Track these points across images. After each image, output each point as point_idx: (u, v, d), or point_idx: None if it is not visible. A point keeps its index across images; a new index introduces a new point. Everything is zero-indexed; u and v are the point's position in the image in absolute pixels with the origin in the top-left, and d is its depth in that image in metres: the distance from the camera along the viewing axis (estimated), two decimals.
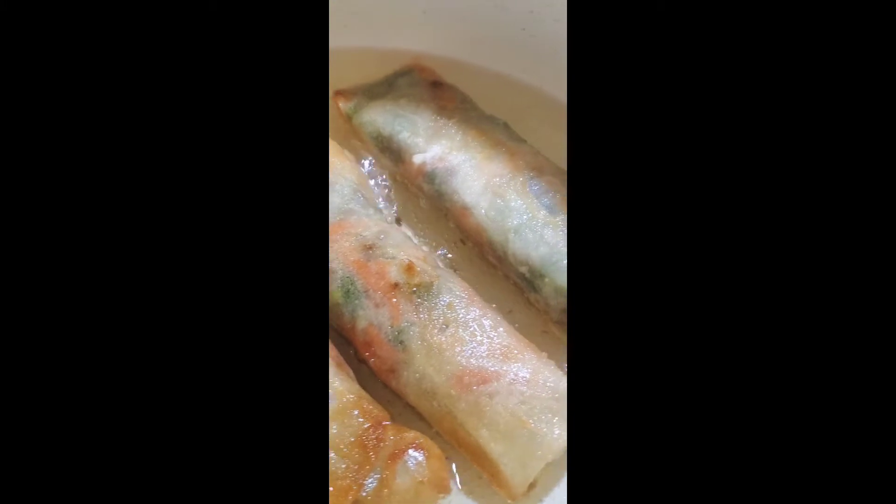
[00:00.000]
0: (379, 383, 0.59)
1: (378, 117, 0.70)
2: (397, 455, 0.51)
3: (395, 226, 0.66)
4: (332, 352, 0.57)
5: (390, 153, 0.69)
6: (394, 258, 0.59)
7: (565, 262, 0.59)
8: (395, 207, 0.71)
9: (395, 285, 0.58)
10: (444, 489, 0.52)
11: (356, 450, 0.51)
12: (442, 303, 0.57)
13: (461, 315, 0.57)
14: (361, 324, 0.58)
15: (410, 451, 0.51)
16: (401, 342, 0.56)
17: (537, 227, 0.61)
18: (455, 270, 0.67)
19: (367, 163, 0.74)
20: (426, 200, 0.69)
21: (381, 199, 0.71)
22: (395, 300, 0.57)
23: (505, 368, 0.54)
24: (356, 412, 0.52)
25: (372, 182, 0.72)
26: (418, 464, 0.51)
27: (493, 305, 0.60)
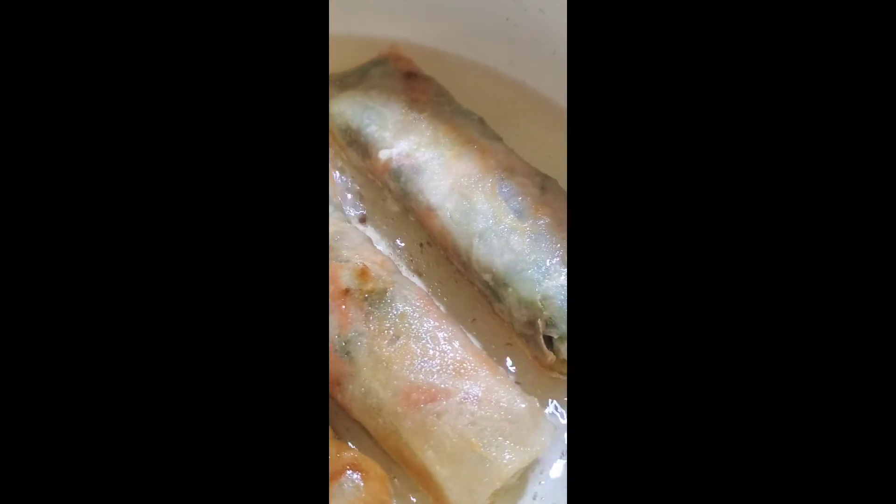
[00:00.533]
0: None
1: (347, 109, 0.66)
2: (334, 476, 0.47)
3: (355, 226, 0.63)
4: None
5: (357, 147, 0.66)
6: (348, 261, 0.56)
7: (530, 271, 0.55)
8: (361, 206, 0.67)
9: (347, 291, 0.54)
10: None
11: None
12: (394, 312, 0.53)
13: (414, 326, 0.53)
14: None
15: (348, 472, 0.48)
16: (347, 353, 0.53)
17: (503, 233, 0.57)
18: (420, 275, 0.63)
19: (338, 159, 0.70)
20: (393, 199, 0.65)
21: (348, 196, 0.67)
22: (344, 307, 0.54)
23: (456, 385, 0.51)
24: None
25: (340, 178, 0.68)
26: (355, 486, 0.47)
27: (456, 315, 0.56)
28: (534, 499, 0.53)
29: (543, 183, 0.60)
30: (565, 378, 0.56)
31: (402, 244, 0.65)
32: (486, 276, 0.57)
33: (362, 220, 0.66)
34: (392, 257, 0.62)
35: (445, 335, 0.53)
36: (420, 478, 0.51)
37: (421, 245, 0.65)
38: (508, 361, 0.58)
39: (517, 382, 0.56)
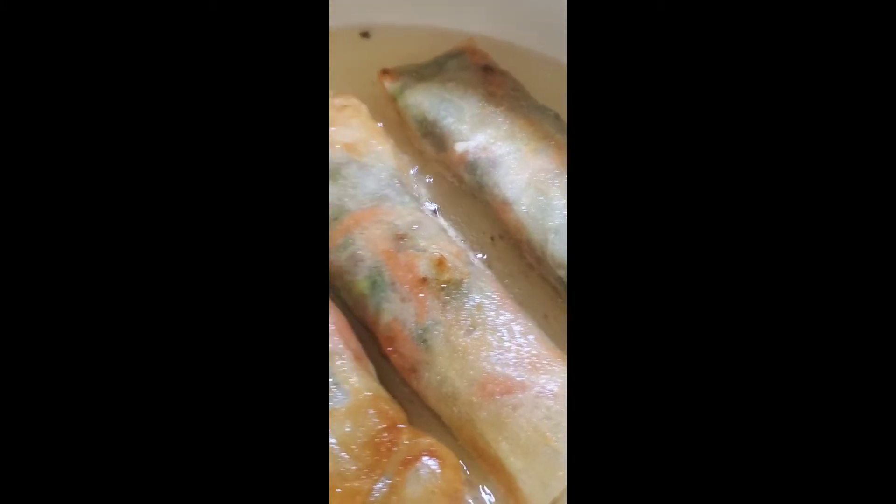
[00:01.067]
0: (399, 380, 0.56)
1: (424, 100, 0.67)
2: (410, 461, 0.48)
3: (431, 216, 0.63)
4: (353, 344, 0.54)
5: (433, 139, 0.66)
6: (425, 251, 0.56)
7: None
8: (433, 197, 0.67)
9: (424, 280, 0.55)
10: (458, 501, 0.49)
11: (368, 451, 0.48)
12: (471, 303, 0.54)
13: (490, 318, 0.53)
14: (386, 318, 0.55)
15: (424, 459, 0.48)
16: (424, 341, 0.53)
17: None
18: (490, 268, 0.63)
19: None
20: (466, 191, 0.66)
21: (419, 187, 0.68)
22: (422, 296, 0.54)
23: (532, 379, 0.51)
24: (371, 411, 0.50)
25: (413, 168, 0.69)
26: (431, 472, 0.48)
27: (527, 310, 0.56)
28: None
29: None
30: None
31: (474, 237, 0.65)
32: (560, 272, 0.57)
33: (434, 211, 0.66)
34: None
35: (521, 328, 0.53)
36: (493, 468, 0.52)
37: (492, 238, 0.65)
38: None
39: None
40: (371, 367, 0.55)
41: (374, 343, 0.57)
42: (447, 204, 0.67)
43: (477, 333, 0.53)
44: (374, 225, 0.58)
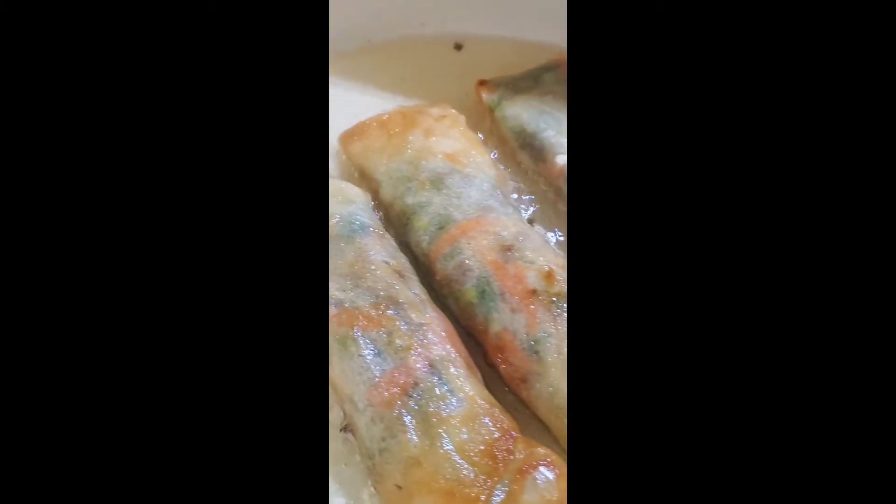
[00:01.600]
0: (504, 389, 0.57)
1: (522, 112, 0.68)
2: (527, 470, 0.49)
3: (533, 228, 0.64)
4: (463, 352, 0.55)
5: (531, 150, 0.67)
6: (533, 263, 0.57)
7: None
8: (529, 208, 0.68)
9: (533, 292, 0.56)
10: None
11: (485, 459, 0.49)
12: None
13: None
14: (495, 327, 0.56)
15: (541, 468, 0.49)
16: (536, 352, 0.54)
17: None
18: None
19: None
20: (563, 203, 0.67)
21: (515, 198, 0.69)
22: (532, 307, 0.55)
23: None
24: (487, 420, 0.51)
25: (511, 180, 0.70)
26: (548, 482, 0.49)
27: None
28: None
29: None
30: None
31: None
32: None
33: (529, 222, 0.67)
34: None
35: None
36: None
37: None
38: None
39: None
40: (479, 376, 0.55)
41: (478, 351, 0.58)
42: (543, 215, 0.68)
43: None
44: (481, 235, 0.59)
